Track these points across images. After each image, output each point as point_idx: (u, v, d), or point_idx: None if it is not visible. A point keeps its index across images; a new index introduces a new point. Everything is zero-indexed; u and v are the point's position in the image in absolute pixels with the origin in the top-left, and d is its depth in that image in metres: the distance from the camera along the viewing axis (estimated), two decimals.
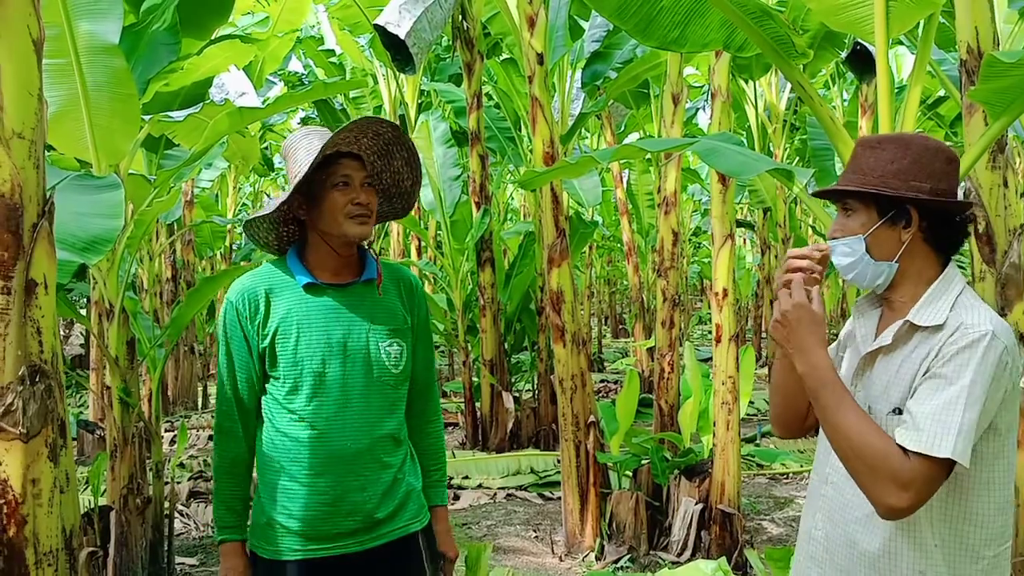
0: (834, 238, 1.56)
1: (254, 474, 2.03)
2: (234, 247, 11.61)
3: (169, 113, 4.60)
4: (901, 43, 7.56)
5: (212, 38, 4.91)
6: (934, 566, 1.47)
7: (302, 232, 2.02)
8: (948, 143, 8.33)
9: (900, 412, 1.48)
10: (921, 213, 1.50)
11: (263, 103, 7.14)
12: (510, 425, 7.09)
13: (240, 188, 12.23)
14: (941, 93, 8.42)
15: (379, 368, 1.96)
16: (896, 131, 2.55)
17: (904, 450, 1.40)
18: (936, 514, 1.47)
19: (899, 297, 1.55)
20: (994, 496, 1.48)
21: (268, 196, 15.63)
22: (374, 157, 2.01)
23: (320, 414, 1.91)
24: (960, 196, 1.62)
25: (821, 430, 1.63)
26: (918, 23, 2.55)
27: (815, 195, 1.59)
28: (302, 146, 1.94)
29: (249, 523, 2.01)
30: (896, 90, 6.94)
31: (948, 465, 1.40)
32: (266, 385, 1.96)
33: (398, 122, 9.77)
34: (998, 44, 2.81)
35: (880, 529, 1.50)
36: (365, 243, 2.06)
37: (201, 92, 5.20)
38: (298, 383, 1.91)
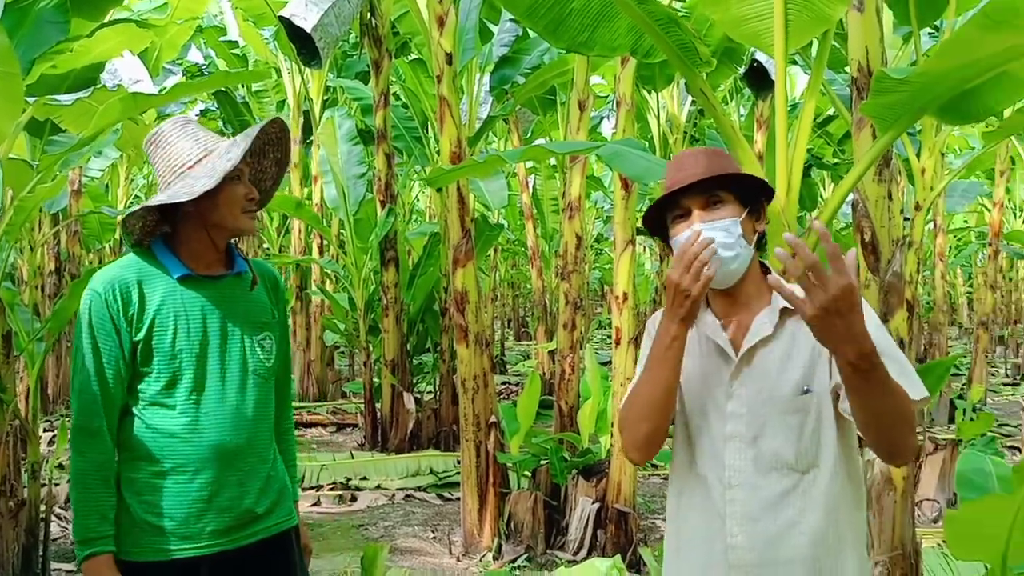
0: (712, 222, 1.56)
1: None
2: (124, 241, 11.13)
3: (56, 96, 4.38)
4: (795, 63, 7.88)
5: (105, 20, 4.70)
6: (857, 523, 1.60)
7: (166, 223, 1.91)
8: (835, 160, 8.69)
9: (809, 391, 1.54)
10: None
11: (159, 92, 6.87)
12: (411, 426, 7.04)
13: (132, 179, 11.74)
14: (830, 112, 8.84)
15: (255, 361, 1.92)
16: (791, 143, 2.66)
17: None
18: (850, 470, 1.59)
19: (743, 291, 1.61)
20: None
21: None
22: (248, 155, 1.97)
23: (200, 408, 1.84)
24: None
25: (684, 442, 1.65)
26: (812, 42, 2.66)
27: (685, 189, 1.56)
28: (183, 135, 1.87)
29: None
30: (789, 107, 7.23)
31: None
32: (137, 381, 1.85)
33: (302, 118, 9.61)
34: (886, 64, 2.97)
35: (819, 509, 1.55)
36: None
37: (92, 76, 4.96)
38: (175, 377, 1.84)
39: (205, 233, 1.89)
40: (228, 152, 1.84)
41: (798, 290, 1.32)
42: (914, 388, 1.48)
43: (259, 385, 1.93)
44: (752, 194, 1.62)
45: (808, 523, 1.55)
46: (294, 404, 2.27)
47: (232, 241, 2.00)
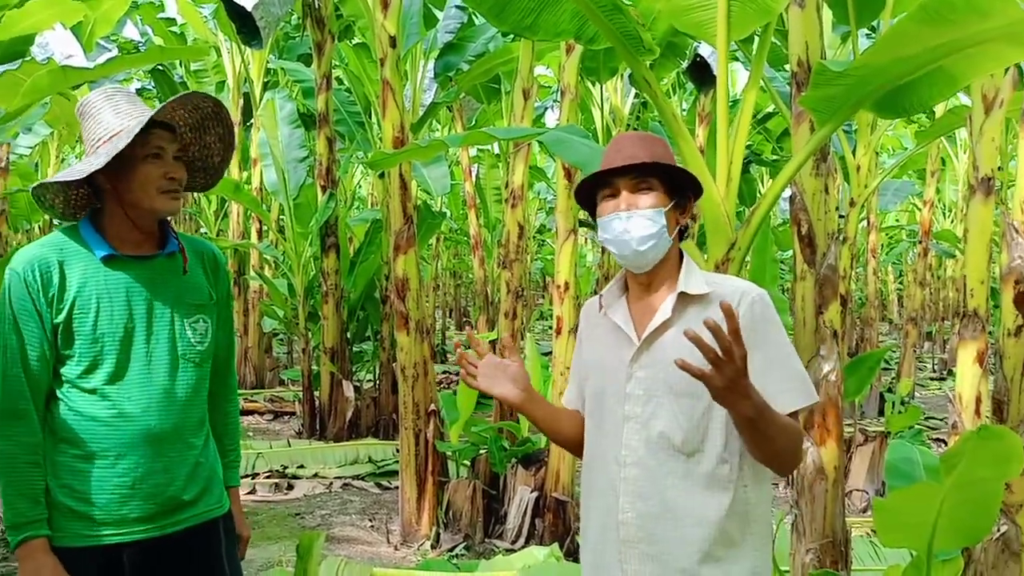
0: (638, 209, 1.63)
1: None
2: (55, 221, 10.78)
3: None
4: (737, 59, 8.00)
5: None
6: (755, 511, 1.64)
7: (97, 199, 1.86)
8: (774, 157, 8.84)
9: None
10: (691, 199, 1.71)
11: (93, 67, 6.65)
12: (349, 414, 6.97)
13: (64, 158, 11.36)
14: (770, 109, 8.99)
15: (184, 345, 1.86)
16: (731, 136, 2.69)
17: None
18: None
19: (656, 278, 1.69)
20: None
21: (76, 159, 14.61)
22: (186, 129, 1.92)
23: (123, 393, 1.78)
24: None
25: (592, 423, 1.76)
26: (753, 38, 2.69)
27: (619, 170, 1.63)
28: (107, 107, 1.80)
29: None
30: (730, 102, 7.33)
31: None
32: (60, 364, 1.79)
33: (242, 100, 9.41)
34: (825, 60, 3.01)
35: (702, 492, 1.61)
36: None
37: (21, 50, 4.76)
38: (98, 360, 1.77)
39: (124, 212, 1.83)
40: (118, 118, 1.79)
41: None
42: (805, 394, 1.60)
43: (189, 369, 1.87)
44: (681, 188, 1.68)
45: (690, 505, 1.60)
46: None
47: (168, 220, 1.94)
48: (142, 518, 1.80)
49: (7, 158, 8.38)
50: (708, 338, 1.39)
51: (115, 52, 9.57)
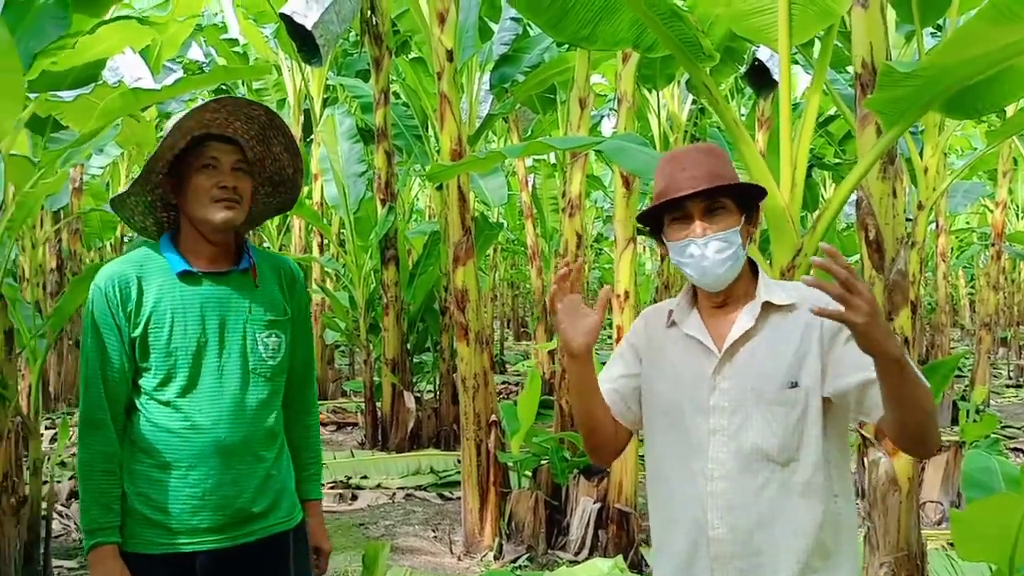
0: (713, 232, 1.59)
1: None
2: (125, 239, 11.12)
3: (57, 93, 4.36)
4: (797, 63, 7.87)
5: (107, 17, 4.69)
6: (846, 518, 1.62)
7: (179, 218, 1.93)
8: (837, 160, 8.69)
9: (797, 384, 1.57)
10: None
11: (160, 88, 6.86)
12: (411, 425, 7.03)
13: (133, 177, 11.71)
14: (832, 112, 8.82)
15: (255, 359, 1.89)
16: (795, 140, 2.64)
17: None
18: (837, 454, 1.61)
19: (732, 292, 1.65)
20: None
21: None
22: (253, 142, 1.93)
23: (194, 406, 1.83)
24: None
25: (666, 438, 1.69)
26: (814, 41, 2.64)
27: (690, 195, 1.58)
28: (171, 126, 1.85)
29: None
30: (792, 106, 7.22)
31: None
32: (138, 376, 1.86)
33: (303, 116, 9.60)
34: (890, 60, 2.95)
35: (799, 501, 1.57)
36: (249, 233, 1.99)
37: (93, 74, 4.95)
38: (171, 373, 1.83)
39: (192, 227, 1.88)
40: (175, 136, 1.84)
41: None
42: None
43: (260, 383, 1.90)
44: (749, 200, 1.65)
45: (788, 515, 1.57)
46: None
47: (246, 235, 1.99)
48: (212, 528, 1.85)
49: (81, 179, 8.69)
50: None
51: (181, 73, 9.85)
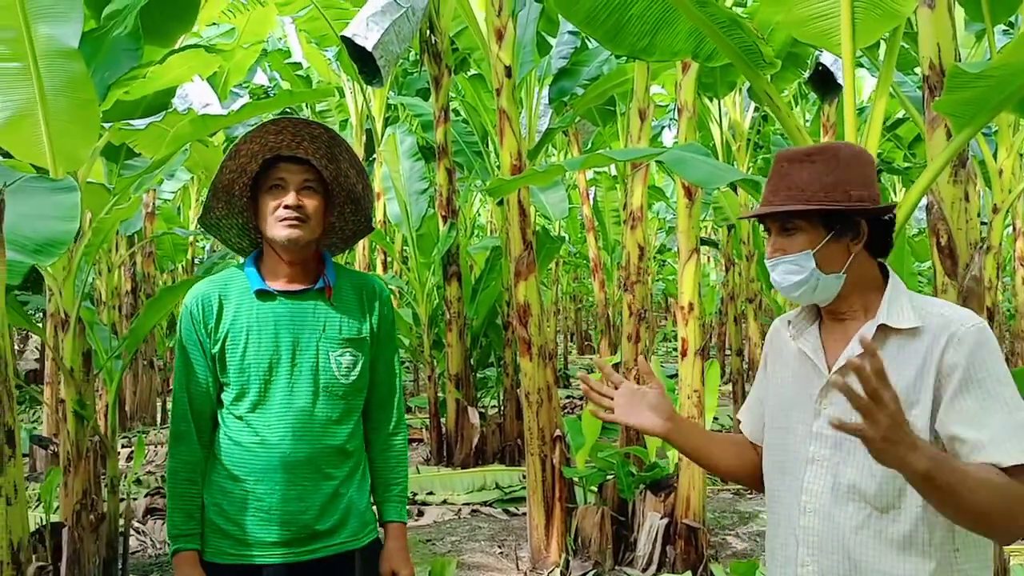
0: (782, 255, 1.51)
1: None
2: (196, 260, 11.44)
3: (130, 121, 4.52)
4: (862, 65, 7.70)
5: (176, 47, 4.85)
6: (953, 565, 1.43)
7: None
8: (906, 164, 8.46)
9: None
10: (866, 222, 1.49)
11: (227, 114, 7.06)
12: (475, 440, 7.04)
13: (203, 201, 12.05)
14: (900, 115, 8.61)
15: (327, 378, 1.92)
16: (861, 145, 2.58)
17: (1005, 470, 1.33)
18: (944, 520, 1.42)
19: (847, 307, 1.52)
20: None
21: None
22: (324, 161, 1.95)
23: (263, 421, 1.88)
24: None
25: (771, 457, 1.60)
26: (879, 43, 2.58)
27: (754, 216, 1.52)
28: (233, 150, 1.90)
29: None
30: (857, 110, 7.07)
31: None
32: (219, 391, 1.94)
33: (365, 136, 9.76)
34: (959, 61, 2.86)
35: (902, 550, 1.42)
36: (341, 255, 2.02)
37: (164, 102, 5.13)
38: (244, 389, 1.89)
39: (271, 247, 1.94)
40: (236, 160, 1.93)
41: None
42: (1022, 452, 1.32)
43: (332, 401, 1.92)
44: (842, 212, 1.48)
45: (881, 568, 1.42)
46: None
47: (328, 255, 2.02)
48: (280, 542, 1.88)
49: (153, 204, 8.97)
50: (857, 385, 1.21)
51: (247, 98, 10.14)
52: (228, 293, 1.93)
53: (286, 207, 1.88)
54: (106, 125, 4.05)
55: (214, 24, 8.47)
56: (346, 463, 1.96)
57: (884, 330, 1.46)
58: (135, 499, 5.62)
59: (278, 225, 1.88)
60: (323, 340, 1.93)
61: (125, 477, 4.57)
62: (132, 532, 4.95)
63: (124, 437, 8.07)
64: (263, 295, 1.92)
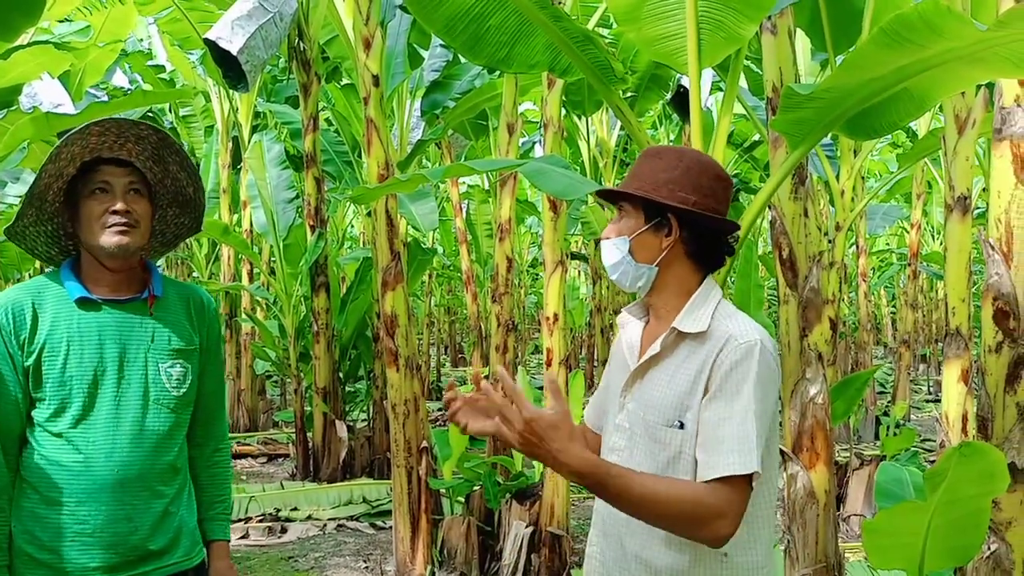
0: (607, 238, 1.61)
1: None
2: (46, 270, 10.77)
3: None
4: (720, 89, 8.09)
5: (23, 43, 4.58)
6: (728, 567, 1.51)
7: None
8: (762, 184, 8.94)
9: (683, 426, 1.48)
10: (681, 223, 1.54)
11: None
12: (343, 454, 6.92)
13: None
14: (756, 137, 9.07)
15: (158, 390, 1.82)
16: None
17: (708, 480, 1.41)
18: None
19: (663, 304, 1.59)
20: (770, 492, 1.55)
21: None
22: (149, 163, 1.86)
23: (87, 438, 1.75)
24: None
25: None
26: (729, 60, 2.72)
27: (596, 194, 1.64)
28: (53, 152, 1.77)
29: None
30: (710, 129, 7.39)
31: (751, 477, 1.43)
32: (31, 407, 1.78)
33: (231, 143, 9.48)
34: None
35: (667, 543, 1.50)
36: (163, 261, 1.92)
37: (8, 100, 4.82)
38: (65, 404, 1.75)
39: (91, 254, 1.83)
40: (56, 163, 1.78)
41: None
42: (739, 463, 1.40)
43: (162, 415, 1.83)
44: (664, 209, 1.54)
45: (646, 557, 1.51)
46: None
47: (157, 263, 1.93)
48: (104, 567, 1.76)
49: None
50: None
51: (105, 99, 9.65)
52: (43, 302, 1.78)
53: (114, 212, 1.77)
54: None
55: (67, 20, 8.04)
56: (175, 480, 1.87)
57: (678, 334, 1.54)
58: None
59: (106, 232, 1.77)
60: (152, 351, 1.83)
61: None
62: None
63: None
64: (85, 303, 1.80)
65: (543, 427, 1.33)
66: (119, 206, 1.78)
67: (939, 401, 11.97)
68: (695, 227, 1.55)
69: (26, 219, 1.83)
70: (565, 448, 1.33)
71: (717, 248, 1.58)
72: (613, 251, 1.58)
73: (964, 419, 2.92)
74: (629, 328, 1.65)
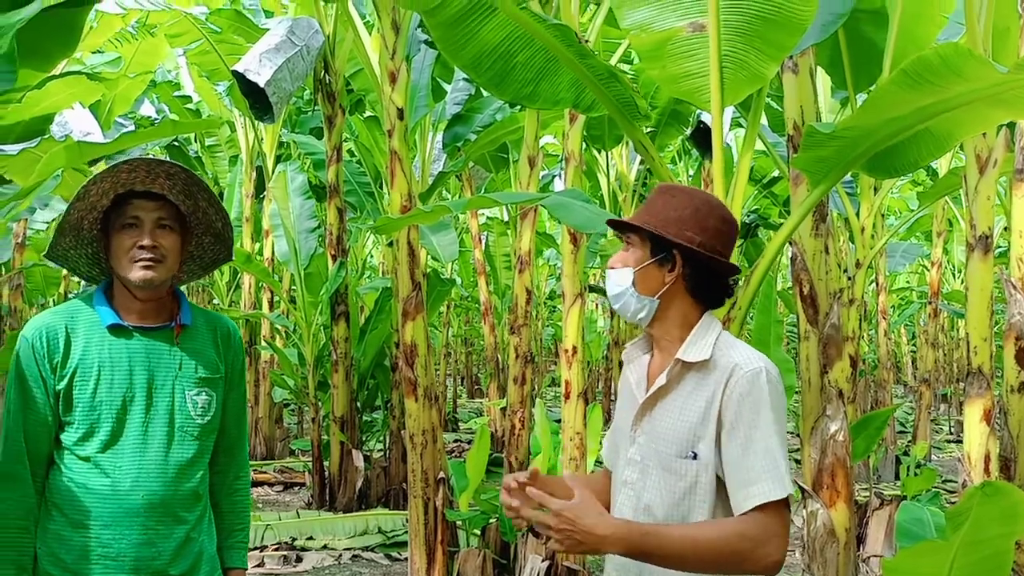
0: (612, 267, 1.65)
1: None
2: (69, 295, 10.92)
3: (2, 147, 4.33)
4: (740, 125, 8.13)
5: (56, 72, 4.69)
6: None
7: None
8: (781, 220, 8.97)
9: (696, 457, 1.52)
10: (684, 260, 1.59)
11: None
12: (359, 484, 6.91)
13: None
14: (776, 173, 9.09)
15: (183, 417, 1.86)
16: (729, 198, 2.73)
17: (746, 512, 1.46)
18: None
19: (664, 334, 1.63)
20: None
21: None
22: (181, 197, 1.91)
23: (115, 463, 1.78)
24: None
25: None
26: (751, 98, 2.76)
27: (608, 223, 1.69)
28: (83, 187, 1.82)
29: None
30: (731, 165, 7.43)
31: (787, 501, 1.47)
32: (60, 430, 1.81)
33: (255, 173, 9.61)
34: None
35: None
36: (184, 288, 1.97)
37: (41, 128, 4.92)
38: (94, 428, 1.79)
39: (121, 283, 1.87)
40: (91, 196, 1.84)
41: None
42: (773, 488, 1.46)
43: (187, 442, 1.86)
44: (668, 245, 1.59)
45: None
46: None
47: (181, 290, 1.98)
48: None
49: (24, 234, 8.54)
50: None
51: (132, 128, 9.83)
52: (75, 326, 1.82)
53: (141, 247, 1.81)
54: None
55: (100, 51, 8.22)
56: (197, 506, 1.90)
57: (683, 365, 1.58)
58: None
59: (133, 266, 1.82)
60: (179, 379, 1.86)
61: None
62: None
63: None
64: (117, 330, 1.84)
65: (573, 511, 1.39)
66: (146, 241, 1.82)
67: (960, 441, 11.79)
68: (697, 266, 1.61)
69: (65, 244, 1.89)
70: (599, 522, 1.40)
71: (717, 288, 1.64)
72: (618, 282, 1.63)
73: (987, 459, 2.89)
74: (635, 363, 1.70)
